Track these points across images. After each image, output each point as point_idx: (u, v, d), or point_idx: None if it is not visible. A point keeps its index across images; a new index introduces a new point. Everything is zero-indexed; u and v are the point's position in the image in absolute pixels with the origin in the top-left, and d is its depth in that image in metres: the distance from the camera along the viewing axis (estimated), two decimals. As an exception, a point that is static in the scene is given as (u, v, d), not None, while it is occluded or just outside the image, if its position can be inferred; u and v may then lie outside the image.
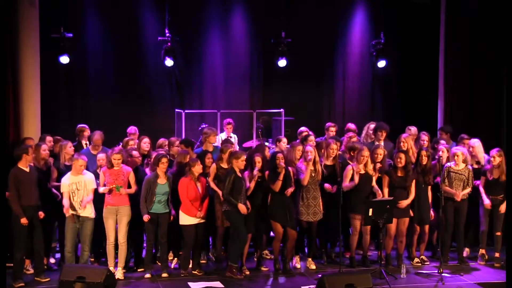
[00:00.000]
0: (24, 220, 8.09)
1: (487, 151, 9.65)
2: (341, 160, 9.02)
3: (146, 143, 9.49)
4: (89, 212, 8.37)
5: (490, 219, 9.19)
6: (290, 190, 8.49)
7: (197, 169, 8.40)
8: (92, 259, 8.94)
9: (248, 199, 8.49)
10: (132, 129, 10.38)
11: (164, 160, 8.45)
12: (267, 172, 8.52)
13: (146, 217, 8.37)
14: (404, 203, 8.75)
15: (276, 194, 8.47)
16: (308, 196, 8.65)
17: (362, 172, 8.69)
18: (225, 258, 8.84)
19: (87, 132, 10.00)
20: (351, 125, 10.64)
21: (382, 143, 9.64)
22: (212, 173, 8.70)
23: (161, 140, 9.77)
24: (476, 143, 9.57)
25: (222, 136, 11.04)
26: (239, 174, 8.38)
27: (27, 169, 8.23)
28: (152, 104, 12.72)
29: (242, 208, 8.33)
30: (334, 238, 9.21)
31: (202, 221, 8.52)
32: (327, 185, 8.80)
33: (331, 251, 9.24)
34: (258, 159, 8.52)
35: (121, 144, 9.62)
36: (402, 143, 9.24)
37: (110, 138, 9.96)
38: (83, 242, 8.40)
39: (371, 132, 10.06)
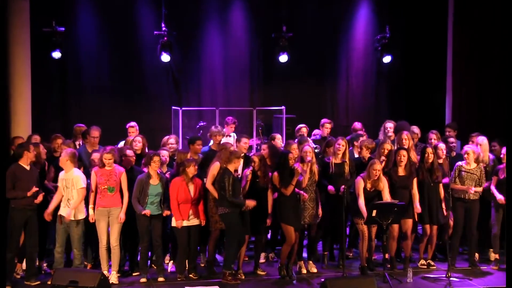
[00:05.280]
0: (33, 190, 8.05)
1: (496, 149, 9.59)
2: (355, 159, 9.00)
3: (136, 141, 9.41)
4: (77, 215, 8.29)
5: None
6: (306, 195, 8.44)
7: (191, 170, 8.33)
8: (86, 262, 8.86)
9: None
10: (131, 123, 10.29)
11: (156, 159, 8.39)
12: (275, 174, 8.44)
13: (146, 212, 8.28)
14: (416, 204, 8.65)
15: (287, 196, 8.38)
16: (307, 198, 8.58)
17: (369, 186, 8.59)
18: (215, 262, 8.83)
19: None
20: (357, 124, 10.56)
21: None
22: (213, 172, 8.53)
23: (165, 138, 9.71)
24: (484, 140, 9.49)
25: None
26: (235, 175, 8.32)
27: (28, 167, 8.24)
28: (148, 101, 12.68)
29: (250, 203, 8.25)
30: (337, 240, 9.15)
31: (197, 223, 8.45)
32: (330, 187, 8.72)
33: (329, 254, 9.17)
34: (255, 158, 8.47)
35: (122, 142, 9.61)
36: (404, 141, 9.16)
37: (105, 136, 9.85)
38: (73, 245, 8.35)
39: (388, 130, 9.96)
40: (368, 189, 8.52)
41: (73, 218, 8.25)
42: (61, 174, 8.34)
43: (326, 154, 9.16)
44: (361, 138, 9.61)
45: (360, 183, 8.52)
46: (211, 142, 9.66)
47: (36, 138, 9.35)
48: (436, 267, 9.02)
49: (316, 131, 10.74)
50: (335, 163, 8.84)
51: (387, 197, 8.55)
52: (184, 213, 8.34)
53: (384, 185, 8.56)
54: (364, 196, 8.50)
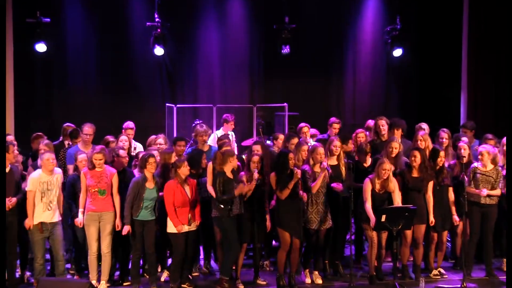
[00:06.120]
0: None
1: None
2: (350, 161, 8.93)
3: (122, 141, 9.37)
4: (57, 216, 8.27)
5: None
6: (305, 195, 8.39)
7: (184, 170, 8.31)
8: (72, 272, 8.86)
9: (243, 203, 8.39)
10: (129, 124, 10.21)
11: (152, 160, 8.35)
12: (273, 174, 8.43)
13: (126, 229, 8.27)
14: (430, 210, 8.63)
15: (285, 199, 8.36)
16: (318, 201, 8.54)
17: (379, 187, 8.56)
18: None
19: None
20: (371, 122, 10.49)
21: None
22: (209, 175, 8.53)
23: (151, 137, 9.70)
24: None
25: (218, 133, 10.95)
26: (230, 176, 8.29)
27: (7, 169, 8.18)
28: (140, 98, 12.70)
29: (241, 189, 8.17)
30: (343, 248, 9.11)
31: (194, 228, 8.43)
32: (334, 184, 8.69)
33: (338, 264, 9.16)
34: (255, 159, 8.44)
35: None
36: (419, 142, 9.14)
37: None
38: (56, 251, 8.29)
39: (382, 128, 9.95)
40: (377, 190, 8.49)
41: (53, 220, 8.22)
42: (38, 176, 8.19)
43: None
44: (359, 141, 9.60)
45: (367, 185, 8.49)
46: (209, 141, 9.65)
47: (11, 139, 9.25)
48: (448, 276, 8.98)
49: (312, 131, 10.67)
50: (331, 165, 8.77)
51: (398, 200, 8.51)
52: (183, 217, 8.29)
53: (394, 186, 8.53)
54: (374, 199, 8.46)
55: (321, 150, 8.56)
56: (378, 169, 8.47)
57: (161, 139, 9.50)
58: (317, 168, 8.53)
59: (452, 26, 12.63)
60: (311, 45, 13.06)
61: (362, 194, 8.53)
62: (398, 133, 9.70)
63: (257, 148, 8.87)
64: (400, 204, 8.49)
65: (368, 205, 8.42)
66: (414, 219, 8.40)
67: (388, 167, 8.45)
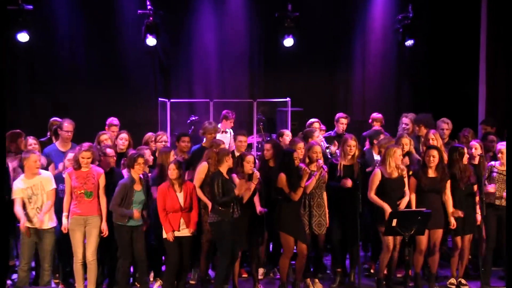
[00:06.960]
0: None
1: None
2: (360, 160, 8.89)
3: (122, 139, 9.31)
4: (48, 223, 8.21)
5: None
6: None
7: (173, 174, 8.24)
8: (57, 281, 8.82)
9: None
10: (113, 120, 10.13)
11: (141, 160, 8.29)
12: (282, 175, 8.32)
13: (136, 213, 8.19)
14: (457, 213, 8.54)
15: (287, 201, 8.31)
16: (312, 203, 8.53)
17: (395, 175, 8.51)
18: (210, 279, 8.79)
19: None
20: (376, 115, 10.43)
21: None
22: (200, 174, 8.49)
23: (148, 135, 9.66)
24: None
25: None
26: (227, 176, 8.24)
27: None
28: (130, 92, 12.68)
29: (242, 186, 8.13)
30: (355, 255, 9.04)
31: (189, 234, 8.36)
32: (345, 181, 8.64)
33: (351, 272, 9.08)
34: (249, 158, 8.38)
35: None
36: (431, 141, 9.06)
37: (80, 133, 9.69)
38: (43, 259, 8.26)
39: (404, 126, 9.86)
40: (387, 175, 8.42)
41: (44, 227, 8.18)
42: (22, 181, 8.17)
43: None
44: (381, 136, 9.51)
45: (375, 174, 8.45)
46: (204, 140, 9.58)
47: None
48: (469, 286, 8.89)
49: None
50: (344, 165, 8.76)
51: (407, 186, 8.52)
52: (174, 223, 8.26)
53: (404, 169, 8.50)
54: (387, 186, 8.40)
55: (317, 148, 8.61)
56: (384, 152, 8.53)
57: (165, 136, 9.50)
58: (313, 167, 8.53)
59: (468, 15, 12.59)
60: (316, 34, 13.01)
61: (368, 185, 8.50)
62: (422, 130, 9.59)
63: (267, 147, 8.88)
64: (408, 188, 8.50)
65: (373, 194, 8.42)
66: (428, 224, 8.32)
67: (399, 152, 8.44)
